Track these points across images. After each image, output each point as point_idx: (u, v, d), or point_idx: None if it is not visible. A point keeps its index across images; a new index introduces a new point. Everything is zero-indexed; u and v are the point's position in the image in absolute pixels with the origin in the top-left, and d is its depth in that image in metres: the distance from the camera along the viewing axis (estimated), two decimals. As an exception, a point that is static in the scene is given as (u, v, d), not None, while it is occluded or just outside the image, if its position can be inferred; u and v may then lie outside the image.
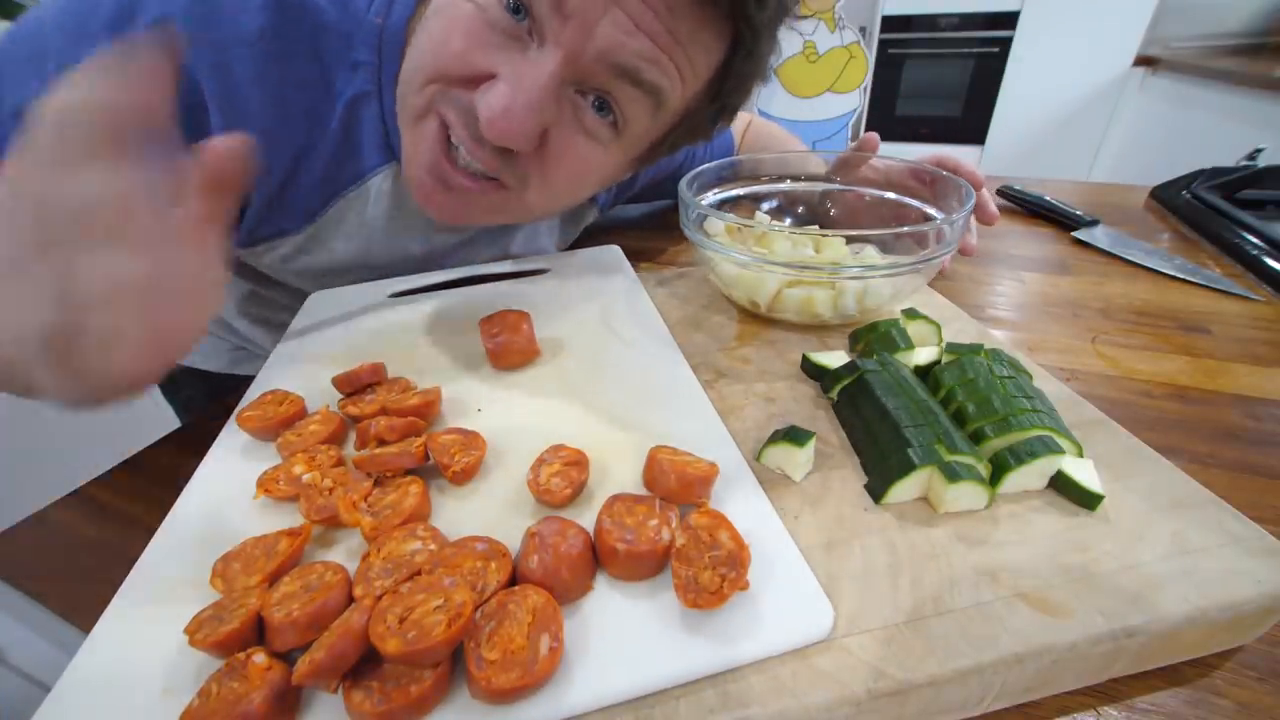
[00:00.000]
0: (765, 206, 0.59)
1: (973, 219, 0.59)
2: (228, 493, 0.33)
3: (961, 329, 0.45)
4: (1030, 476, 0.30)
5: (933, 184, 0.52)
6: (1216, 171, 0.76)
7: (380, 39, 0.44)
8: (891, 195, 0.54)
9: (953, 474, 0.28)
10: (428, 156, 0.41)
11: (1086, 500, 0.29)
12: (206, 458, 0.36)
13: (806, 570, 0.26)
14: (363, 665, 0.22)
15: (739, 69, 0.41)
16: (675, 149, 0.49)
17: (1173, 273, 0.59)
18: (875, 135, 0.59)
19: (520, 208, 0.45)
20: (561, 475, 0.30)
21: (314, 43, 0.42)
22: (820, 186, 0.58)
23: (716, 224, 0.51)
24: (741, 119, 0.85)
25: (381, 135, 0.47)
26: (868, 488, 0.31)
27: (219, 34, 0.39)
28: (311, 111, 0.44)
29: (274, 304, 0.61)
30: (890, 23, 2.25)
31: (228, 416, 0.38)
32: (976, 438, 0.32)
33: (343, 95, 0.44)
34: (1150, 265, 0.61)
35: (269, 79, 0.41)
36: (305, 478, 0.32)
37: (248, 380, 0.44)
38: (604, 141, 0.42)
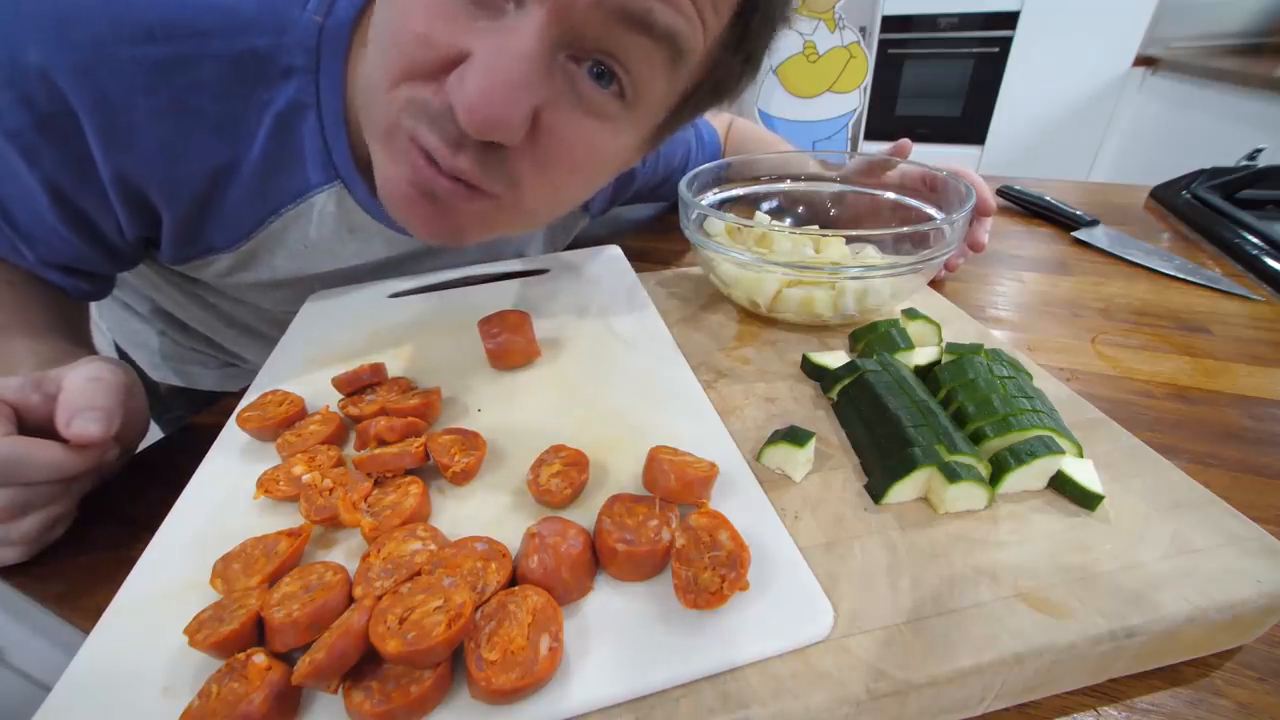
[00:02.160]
0: (765, 206, 0.59)
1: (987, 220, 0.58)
2: (228, 493, 0.33)
3: (961, 329, 0.45)
4: (1030, 477, 0.30)
5: (932, 184, 0.52)
6: (1216, 171, 0.76)
7: (319, 40, 0.38)
8: (891, 195, 0.54)
9: (953, 474, 0.28)
10: (407, 170, 0.34)
11: (1086, 500, 0.29)
12: (206, 458, 0.36)
13: (806, 570, 0.26)
14: (363, 665, 0.22)
15: (763, 3, 0.34)
16: (699, 114, 0.41)
17: (1173, 273, 0.59)
18: (908, 141, 0.58)
19: (517, 217, 0.38)
20: (561, 475, 0.30)
21: (226, 43, 0.36)
22: (827, 188, 0.58)
23: (716, 224, 0.51)
24: (722, 120, 0.84)
25: (322, 150, 0.42)
26: (868, 488, 0.31)
27: (88, 30, 0.34)
28: (227, 123, 0.39)
29: (221, 313, 0.59)
30: (890, 23, 2.24)
31: (228, 417, 0.38)
32: (976, 438, 0.32)
33: (270, 106, 0.39)
34: (1150, 265, 0.61)
35: (159, 86, 0.36)
36: (305, 478, 0.32)
37: (237, 394, 0.44)
38: (611, 117, 0.34)
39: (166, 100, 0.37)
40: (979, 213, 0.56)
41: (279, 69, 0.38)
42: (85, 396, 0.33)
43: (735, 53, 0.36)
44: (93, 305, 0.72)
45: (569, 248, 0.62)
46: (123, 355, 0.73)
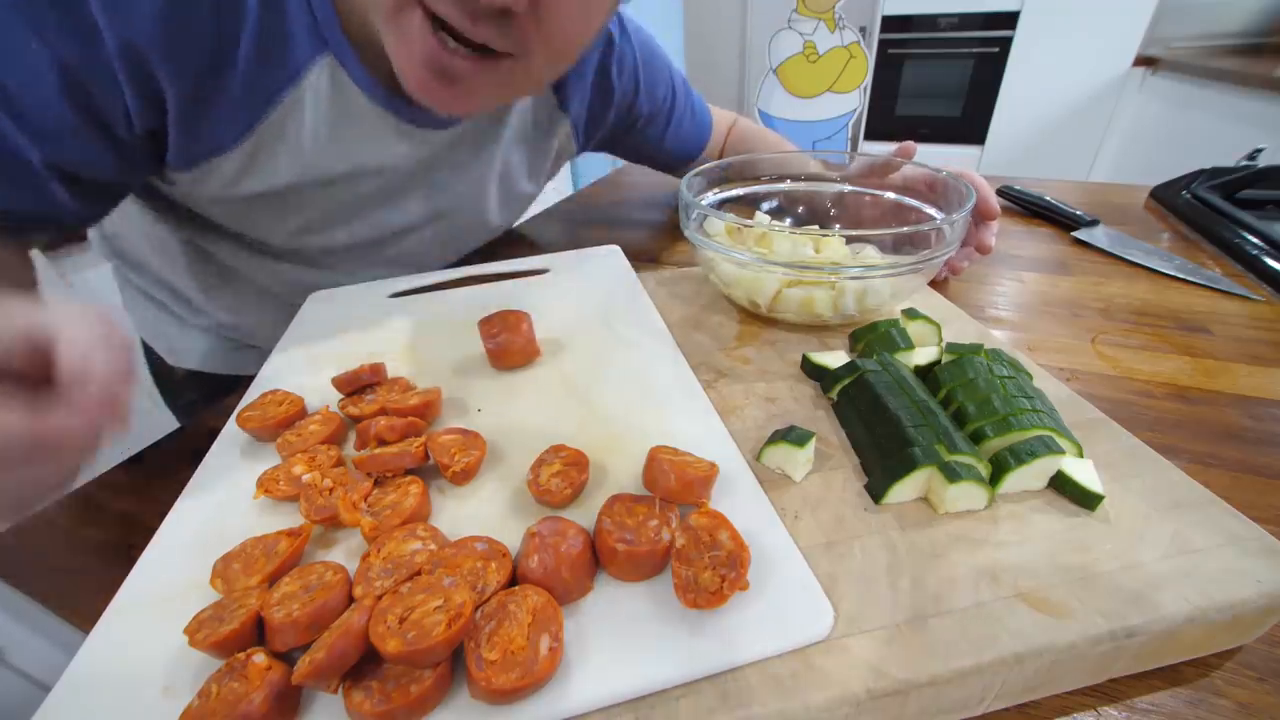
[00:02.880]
0: (765, 206, 0.59)
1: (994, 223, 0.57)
2: (228, 493, 0.33)
3: (961, 329, 0.45)
4: (1030, 476, 0.30)
5: (932, 185, 0.52)
6: (1216, 171, 0.76)
7: None
8: (892, 196, 0.54)
9: (953, 474, 0.28)
10: (420, 49, 0.38)
11: (1086, 500, 0.29)
12: (206, 458, 0.36)
13: (806, 570, 0.26)
14: (363, 665, 0.22)
15: None
16: None
17: (1173, 273, 0.59)
18: (913, 144, 0.58)
19: (524, 76, 0.42)
20: (561, 475, 0.30)
21: None
22: (830, 189, 0.58)
23: (716, 224, 0.51)
24: (726, 118, 0.84)
25: (310, 22, 0.43)
26: (868, 488, 0.31)
27: None
28: None
29: (225, 268, 0.60)
30: (890, 23, 2.25)
31: (228, 416, 0.38)
32: (976, 438, 0.32)
33: None
34: (1150, 265, 0.61)
35: None
36: (305, 478, 0.32)
37: (248, 380, 0.44)
38: None
39: None
40: (982, 216, 0.56)
41: None
42: (104, 365, 0.27)
43: None
44: (116, 301, 0.74)
45: (570, 247, 0.62)
46: (145, 346, 0.75)
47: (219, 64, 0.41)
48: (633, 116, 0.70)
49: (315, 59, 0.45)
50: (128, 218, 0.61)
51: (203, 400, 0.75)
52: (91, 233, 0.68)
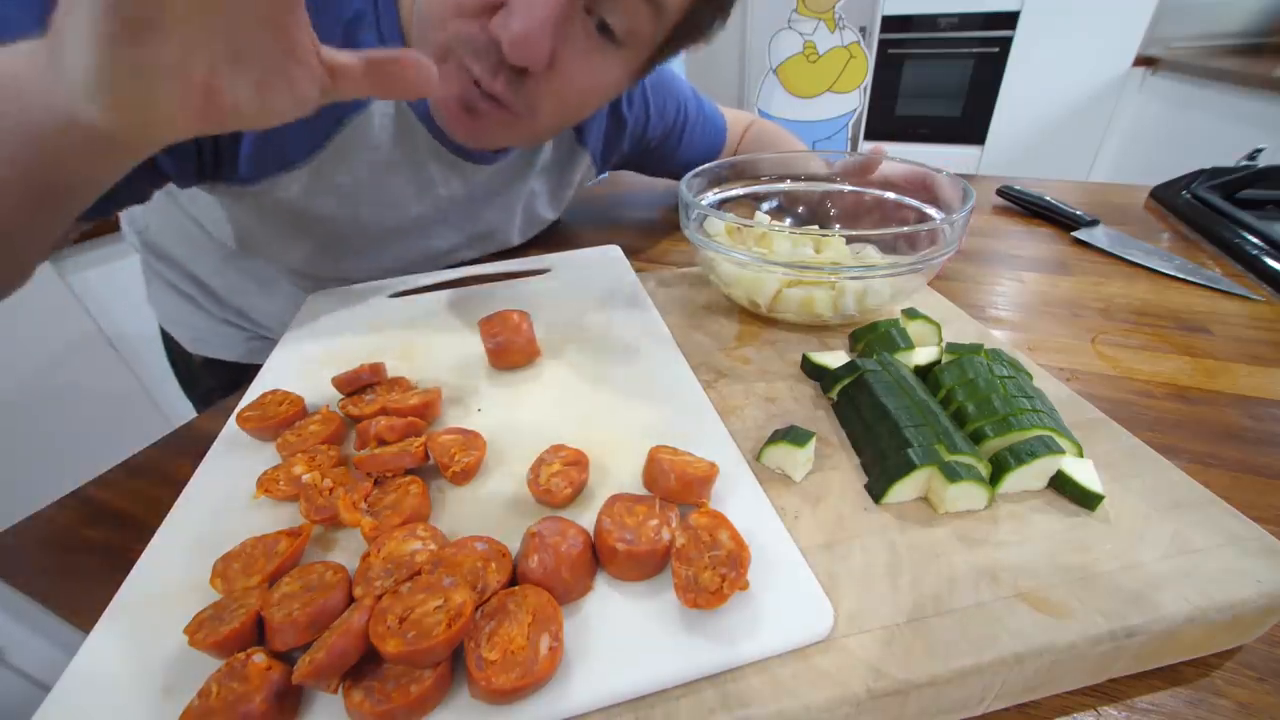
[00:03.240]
0: (765, 206, 0.59)
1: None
2: (228, 493, 0.33)
3: (961, 329, 0.45)
4: (1030, 476, 0.30)
5: (931, 185, 0.52)
6: (1216, 171, 0.76)
7: None
8: (891, 195, 0.54)
9: (953, 474, 0.28)
10: (457, 89, 0.44)
11: (1086, 500, 0.29)
12: (206, 458, 0.36)
13: (806, 570, 0.26)
14: (363, 665, 0.22)
15: None
16: (676, 52, 0.51)
17: (1173, 273, 0.59)
18: (881, 149, 0.59)
19: (529, 129, 0.48)
20: (561, 475, 0.30)
21: None
22: (821, 187, 0.58)
23: (716, 224, 0.51)
24: (743, 119, 0.86)
25: None
26: (868, 488, 0.31)
27: None
28: (313, 25, 0.43)
29: (262, 277, 0.62)
30: (890, 23, 2.24)
31: (227, 417, 0.38)
32: (976, 438, 0.32)
33: (340, 15, 0.45)
34: (1150, 265, 0.61)
35: None
36: (305, 478, 0.32)
37: (239, 393, 0.44)
38: (608, 56, 0.45)
39: None
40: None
41: None
42: None
43: (706, 4, 0.45)
44: (142, 287, 0.75)
45: (570, 247, 0.62)
46: (165, 334, 0.77)
47: None
48: (646, 140, 0.73)
49: None
50: (163, 214, 0.64)
51: (220, 389, 0.76)
52: (125, 225, 0.72)
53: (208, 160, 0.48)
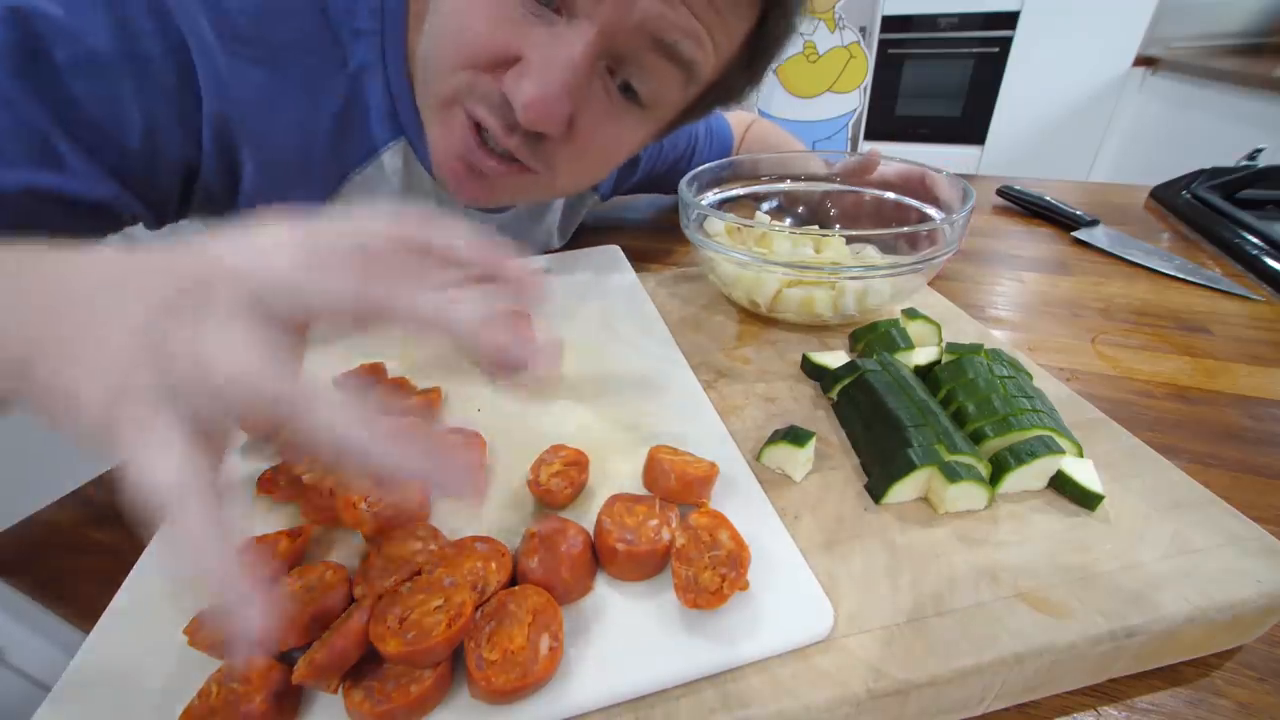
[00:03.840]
0: (765, 206, 0.59)
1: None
2: (227, 493, 0.33)
3: (961, 329, 0.45)
4: (1030, 476, 0.30)
5: (921, 182, 0.52)
6: (1216, 171, 0.76)
7: (383, 5, 0.42)
8: (891, 196, 0.54)
9: (953, 474, 0.28)
10: (460, 146, 0.41)
11: (1086, 500, 0.29)
12: (206, 458, 0.36)
13: (806, 570, 0.26)
14: (363, 665, 0.22)
15: (773, 30, 0.40)
16: (705, 115, 0.48)
17: (1173, 273, 0.59)
18: (877, 153, 0.58)
19: (547, 188, 0.46)
20: (561, 475, 0.30)
21: (319, 1, 0.40)
22: (821, 187, 0.58)
23: (716, 224, 0.51)
24: (743, 119, 0.86)
25: (388, 108, 0.45)
26: (868, 488, 0.31)
27: None
28: (313, 75, 0.41)
29: None
30: (890, 23, 2.24)
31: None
32: (976, 438, 0.32)
33: (344, 65, 0.42)
34: (1150, 265, 0.61)
35: (255, 38, 0.38)
36: (305, 478, 0.32)
37: None
38: (632, 119, 0.41)
39: (263, 52, 0.39)
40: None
41: (350, 30, 0.42)
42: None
43: (742, 70, 0.43)
44: None
45: (570, 246, 0.62)
46: None
47: (303, 138, 0.43)
48: (657, 170, 0.73)
49: (390, 143, 0.46)
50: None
51: None
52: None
53: (199, 200, 0.45)
